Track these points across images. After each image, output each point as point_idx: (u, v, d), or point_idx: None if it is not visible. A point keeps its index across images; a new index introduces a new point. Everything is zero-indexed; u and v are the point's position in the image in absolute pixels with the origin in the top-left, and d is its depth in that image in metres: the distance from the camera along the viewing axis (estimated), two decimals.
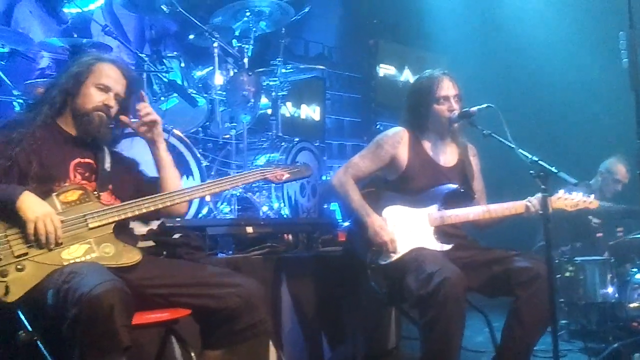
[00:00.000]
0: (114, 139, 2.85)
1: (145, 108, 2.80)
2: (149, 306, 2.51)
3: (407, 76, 7.84)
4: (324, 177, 5.20)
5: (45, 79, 4.29)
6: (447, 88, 3.37)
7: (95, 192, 2.60)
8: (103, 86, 2.69)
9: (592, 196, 3.28)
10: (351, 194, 3.33)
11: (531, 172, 2.81)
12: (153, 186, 2.82)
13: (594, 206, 3.29)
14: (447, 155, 3.47)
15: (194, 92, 4.65)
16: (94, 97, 2.67)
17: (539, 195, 3.03)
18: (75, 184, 2.59)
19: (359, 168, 3.41)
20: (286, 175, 2.94)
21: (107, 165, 2.72)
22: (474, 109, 3.25)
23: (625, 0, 3.14)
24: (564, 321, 4.77)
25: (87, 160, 2.70)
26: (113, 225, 2.53)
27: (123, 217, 2.55)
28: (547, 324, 2.93)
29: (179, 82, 4.65)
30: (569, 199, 3.24)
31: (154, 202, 2.63)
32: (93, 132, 2.68)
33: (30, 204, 2.39)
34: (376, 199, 3.30)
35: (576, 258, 4.77)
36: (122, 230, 2.60)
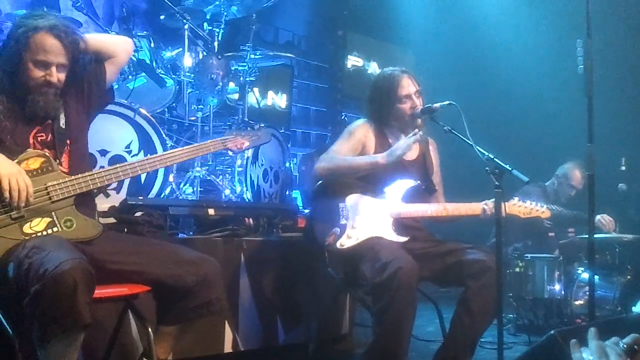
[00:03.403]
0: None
1: None
2: (108, 280, 2.52)
3: (374, 68, 7.93)
4: (287, 164, 5.25)
5: None
6: (408, 86, 3.45)
7: (57, 160, 2.57)
8: (41, 62, 2.54)
9: (545, 207, 3.37)
10: (349, 159, 3.38)
11: (486, 168, 2.91)
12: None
13: (546, 216, 3.38)
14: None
15: (162, 72, 4.65)
16: (33, 74, 2.54)
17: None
18: (36, 150, 2.55)
19: (341, 153, 3.42)
20: (246, 144, 2.99)
21: (62, 122, 2.66)
22: (437, 105, 3.32)
23: (584, 10, 3.28)
24: (511, 315, 4.89)
25: (45, 124, 2.65)
26: (74, 197, 2.54)
27: (85, 189, 2.55)
28: (494, 314, 3.03)
29: (148, 61, 4.64)
30: (523, 206, 3.33)
31: (116, 173, 2.64)
32: (42, 111, 2.58)
33: (0, 162, 2.39)
34: (341, 185, 3.36)
35: (526, 255, 4.91)
36: (83, 201, 2.60)
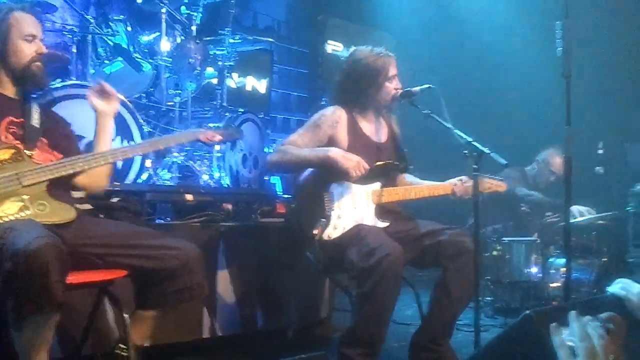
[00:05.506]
0: (45, 94, 2.98)
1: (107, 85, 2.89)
2: (84, 266, 2.51)
3: None
4: (266, 150, 5.23)
5: None
6: (395, 67, 3.43)
7: (28, 152, 2.57)
8: (30, 36, 2.69)
9: (502, 181, 3.54)
10: (298, 152, 3.24)
11: (465, 151, 2.92)
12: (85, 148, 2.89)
13: (502, 189, 3.55)
14: (380, 131, 3.53)
15: (139, 57, 4.60)
16: (26, 50, 2.68)
17: (463, 177, 3.33)
18: (6, 143, 2.56)
19: (297, 145, 3.30)
20: (218, 137, 2.98)
21: (35, 121, 2.71)
22: (416, 89, 3.32)
23: None
24: (489, 298, 4.92)
25: (19, 119, 2.68)
26: (47, 183, 2.53)
27: (57, 175, 2.55)
28: (471, 295, 3.06)
29: (125, 46, 4.58)
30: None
31: (87, 160, 2.63)
32: (38, 83, 2.76)
33: None
34: (321, 174, 3.28)
35: (504, 238, 4.94)
36: (57, 188, 2.59)
